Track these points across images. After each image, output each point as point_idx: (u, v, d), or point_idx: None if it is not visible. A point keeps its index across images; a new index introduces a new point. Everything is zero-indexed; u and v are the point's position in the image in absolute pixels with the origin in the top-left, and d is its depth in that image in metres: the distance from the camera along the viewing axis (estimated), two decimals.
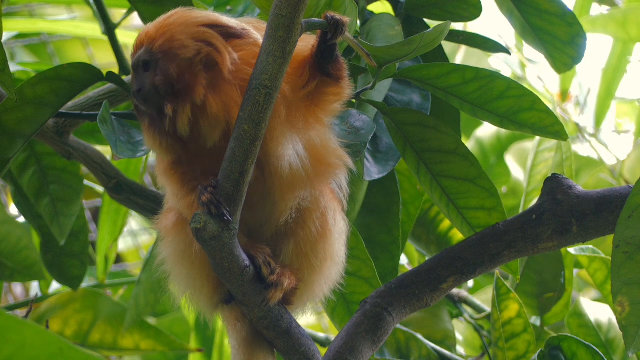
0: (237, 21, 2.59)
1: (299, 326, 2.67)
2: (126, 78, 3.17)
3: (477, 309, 4.03)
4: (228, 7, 3.36)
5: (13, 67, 3.87)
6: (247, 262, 2.54)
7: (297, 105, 2.55)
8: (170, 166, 2.58)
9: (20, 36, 5.60)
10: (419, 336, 3.60)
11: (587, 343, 3.10)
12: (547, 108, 2.87)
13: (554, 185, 2.83)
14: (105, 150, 3.80)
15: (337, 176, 2.64)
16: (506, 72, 5.29)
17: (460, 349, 4.03)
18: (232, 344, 2.74)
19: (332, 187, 2.67)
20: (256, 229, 2.61)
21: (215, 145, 2.53)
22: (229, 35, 2.54)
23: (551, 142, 3.85)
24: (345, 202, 2.69)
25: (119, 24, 3.60)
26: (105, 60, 5.73)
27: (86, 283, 4.14)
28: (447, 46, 3.49)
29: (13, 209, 5.04)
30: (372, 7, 3.36)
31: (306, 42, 2.55)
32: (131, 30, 5.36)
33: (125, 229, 4.80)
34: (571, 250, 3.63)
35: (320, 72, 2.55)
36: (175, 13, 2.58)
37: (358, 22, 3.22)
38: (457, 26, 4.70)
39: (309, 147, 2.57)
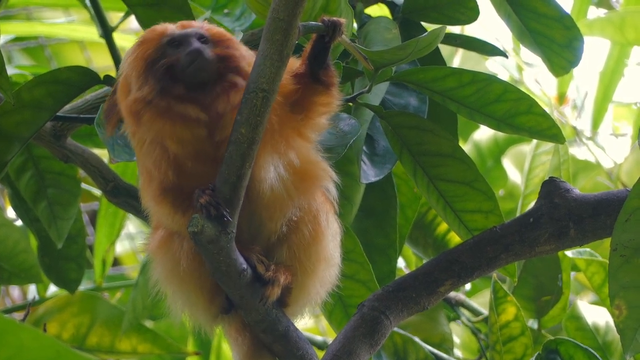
0: None
1: (297, 330, 2.67)
2: None
3: (475, 312, 4.03)
4: (225, 10, 3.36)
5: (10, 71, 3.87)
6: (245, 266, 2.53)
7: (282, 128, 2.54)
8: (159, 192, 2.55)
9: (17, 39, 5.59)
10: (417, 339, 3.60)
11: (584, 346, 3.11)
12: (544, 111, 2.87)
13: (551, 189, 2.83)
14: (103, 154, 3.80)
15: (324, 187, 2.64)
16: (503, 76, 5.30)
17: (457, 352, 4.03)
18: (235, 359, 2.73)
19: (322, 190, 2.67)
20: (246, 242, 2.60)
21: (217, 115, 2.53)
22: None
23: (548, 146, 3.86)
24: (336, 205, 2.69)
25: (116, 27, 3.60)
26: (103, 64, 5.72)
27: (83, 286, 4.14)
28: (445, 49, 3.49)
29: (10, 212, 5.04)
30: (369, 11, 3.36)
31: (291, 69, 2.56)
32: (128, 33, 5.36)
33: (123, 232, 4.79)
34: (568, 253, 3.64)
35: (310, 78, 2.56)
36: None
37: (355, 25, 3.22)
38: (455, 29, 4.70)
39: (291, 168, 2.55)
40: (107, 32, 3.57)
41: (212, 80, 2.50)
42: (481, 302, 4.11)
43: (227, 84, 2.51)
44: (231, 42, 2.56)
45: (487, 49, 3.28)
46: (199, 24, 2.58)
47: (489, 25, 5.11)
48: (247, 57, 2.55)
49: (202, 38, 2.53)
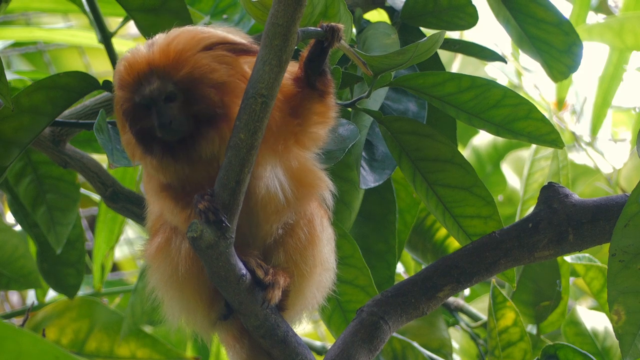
0: (239, 35, 2.57)
1: (296, 335, 2.67)
2: None
3: (474, 317, 4.03)
4: (224, 16, 3.37)
5: (9, 76, 3.87)
6: (244, 271, 2.53)
7: (281, 132, 2.53)
8: (159, 189, 2.55)
9: (16, 45, 5.60)
10: (416, 344, 3.60)
11: (583, 351, 3.10)
12: (543, 116, 2.87)
13: (550, 194, 2.83)
14: (102, 159, 3.80)
15: (319, 195, 2.63)
16: (502, 81, 5.30)
17: (456, 357, 4.03)
18: None
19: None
20: (243, 247, 2.60)
21: (207, 158, 2.52)
22: (241, 51, 2.51)
23: (547, 151, 3.86)
24: (330, 212, 2.69)
25: (115, 32, 3.60)
26: (102, 69, 5.73)
27: (82, 291, 4.14)
28: (444, 55, 3.49)
29: (9, 218, 5.04)
30: (368, 16, 3.37)
31: (292, 73, 2.55)
32: (127, 38, 5.36)
33: (122, 238, 4.80)
34: (567, 258, 3.64)
35: (306, 84, 2.55)
36: (178, 35, 2.50)
37: (354, 30, 3.22)
38: (454, 35, 4.70)
39: (288, 172, 2.55)
40: (106, 37, 3.57)
41: (190, 134, 2.48)
42: (480, 308, 4.11)
43: (197, 142, 2.48)
44: (205, 78, 2.47)
45: (486, 54, 3.28)
46: (161, 66, 2.47)
47: (488, 30, 5.11)
48: (222, 94, 2.47)
49: (172, 96, 2.47)
